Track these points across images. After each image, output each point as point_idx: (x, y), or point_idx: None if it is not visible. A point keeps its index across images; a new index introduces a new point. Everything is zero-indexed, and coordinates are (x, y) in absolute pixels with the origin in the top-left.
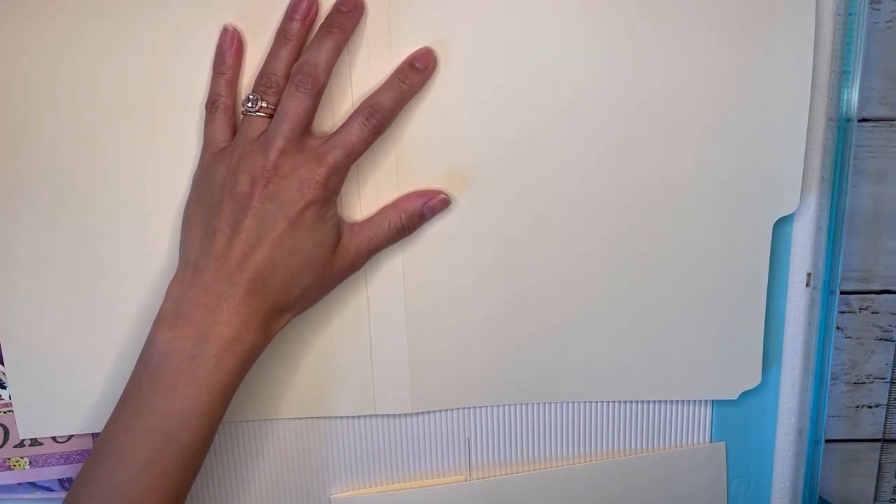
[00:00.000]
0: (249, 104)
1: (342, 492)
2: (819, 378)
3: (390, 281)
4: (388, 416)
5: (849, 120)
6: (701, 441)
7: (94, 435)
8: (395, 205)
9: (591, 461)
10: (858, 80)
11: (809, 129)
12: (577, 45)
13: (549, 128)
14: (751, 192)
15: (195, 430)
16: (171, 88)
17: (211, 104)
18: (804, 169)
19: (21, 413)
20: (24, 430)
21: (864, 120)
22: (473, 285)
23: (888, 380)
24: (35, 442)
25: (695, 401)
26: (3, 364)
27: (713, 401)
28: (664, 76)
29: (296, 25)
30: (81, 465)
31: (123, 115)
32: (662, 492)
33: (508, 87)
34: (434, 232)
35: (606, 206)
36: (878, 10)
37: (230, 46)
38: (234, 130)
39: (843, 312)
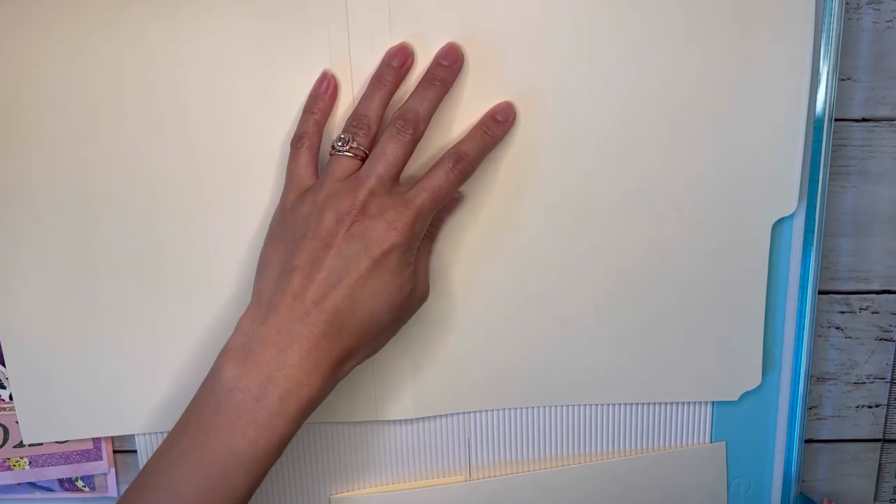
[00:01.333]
0: (340, 143)
1: (342, 492)
2: (797, 376)
3: None
4: (389, 422)
5: (824, 121)
6: (701, 441)
7: (95, 438)
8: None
9: (591, 461)
10: (834, 81)
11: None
12: (577, 46)
13: (548, 130)
14: (750, 194)
15: (248, 473)
16: (173, 93)
17: (297, 140)
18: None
19: (24, 418)
20: (27, 436)
21: (864, 120)
22: (474, 289)
23: (888, 380)
24: (35, 442)
25: (695, 401)
26: (3, 364)
27: (713, 401)
28: (662, 78)
29: (391, 72)
30: (129, 487)
31: (124, 118)
32: (662, 492)
33: (509, 90)
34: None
35: (606, 208)
36: (879, 10)
37: (325, 91)
38: (317, 170)
39: (842, 312)
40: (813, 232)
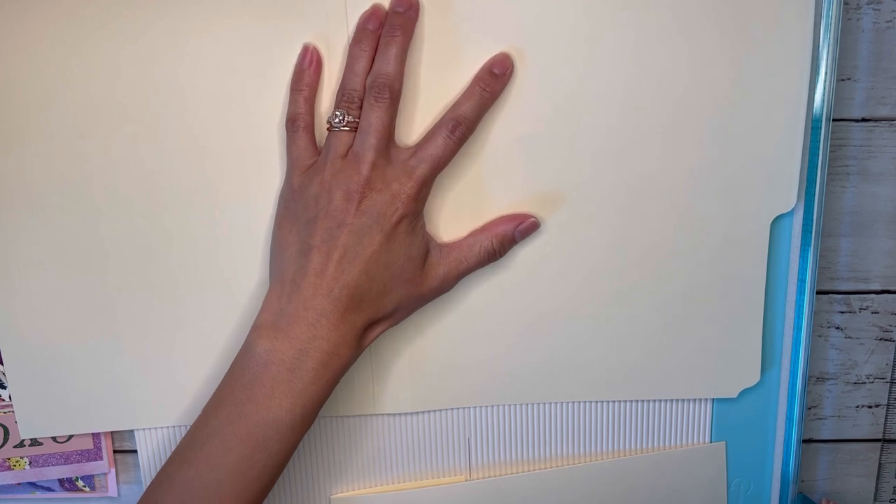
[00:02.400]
0: (336, 120)
1: (342, 491)
2: (795, 375)
3: None
4: (387, 415)
5: (822, 120)
6: (701, 441)
7: (95, 435)
8: (485, 229)
9: (591, 461)
10: (832, 80)
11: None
12: (576, 45)
13: (547, 127)
14: (749, 191)
15: (285, 440)
16: (172, 90)
17: (291, 123)
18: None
19: (21, 413)
20: (24, 430)
21: (863, 120)
22: (473, 284)
23: (888, 380)
24: (35, 442)
25: (695, 400)
26: (2, 364)
27: (713, 400)
28: (662, 76)
29: (369, 36)
30: (165, 462)
31: (124, 115)
32: (663, 491)
33: (510, 87)
34: (437, 229)
35: (606, 205)
36: (878, 10)
37: (309, 65)
38: (317, 147)
39: (842, 312)
40: (811, 231)
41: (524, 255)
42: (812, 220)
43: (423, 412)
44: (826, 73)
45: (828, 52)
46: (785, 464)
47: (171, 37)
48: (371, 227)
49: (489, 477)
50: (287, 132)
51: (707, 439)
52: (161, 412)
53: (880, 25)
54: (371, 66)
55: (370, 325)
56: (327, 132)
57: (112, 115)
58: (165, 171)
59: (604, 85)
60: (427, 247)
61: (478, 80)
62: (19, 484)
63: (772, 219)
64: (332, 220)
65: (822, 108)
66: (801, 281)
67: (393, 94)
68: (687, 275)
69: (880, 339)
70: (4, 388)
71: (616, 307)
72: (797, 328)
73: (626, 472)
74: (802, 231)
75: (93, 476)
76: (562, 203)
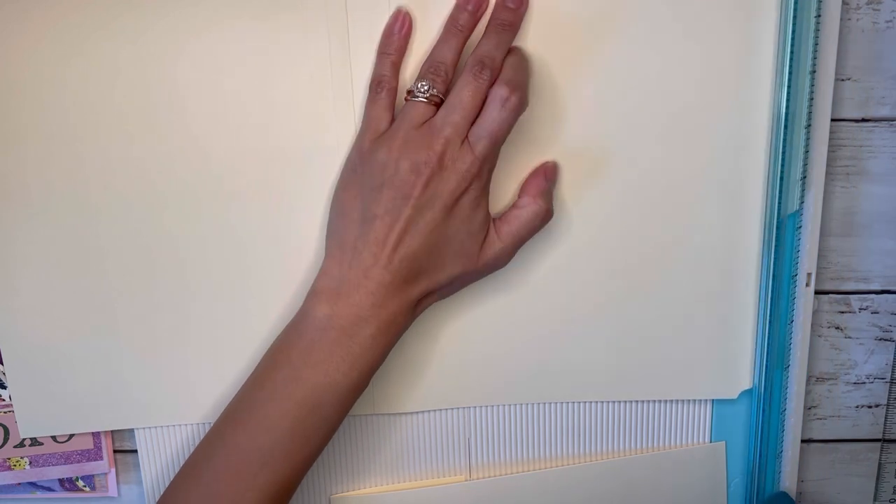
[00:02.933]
0: (422, 89)
1: (342, 492)
2: (794, 376)
3: None
4: (387, 414)
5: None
6: (701, 441)
7: (95, 434)
8: (523, 191)
9: (591, 461)
10: (832, 81)
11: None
12: (575, 44)
13: (546, 129)
14: (748, 192)
15: (340, 404)
16: (172, 91)
17: (377, 84)
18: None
19: (21, 412)
20: (24, 430)
21: (864, 120)
22: (473, 286)
23: (888, 380)
24: (35, 442)
25: (694, 401)
26: (2, 364)
27: (713, 401)
28: (662, 76)
29: (466, 17)
30: (214, 423)
31: (123, 115)
32: (662, 492)
33: None
34: None
35: (605, 206)
36: (878, 10)
37: (400, 29)
38: (394, 114)
39: (843, 312)
40: (811, 231)
41: (524, 257)
42: (812, 220)
43: (422, 412)
44: (827, 74)
45: (828, 53)
46: (785, 464)
47: (170, 37)
48: (435, 202)
49: (489, 477)
50: (370, 93)
51: (707, 439)
52: (161, 411)
53: (880, 25)
54: (462, 46)
55: (426, 296)
56: (406, 100)
57: (111, 115)
58: (165, 171)
59: (603, 86)
60: (487, 223)
61: (494, 22)
62: (19, 484)
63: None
64: (397, 190)
65: (816, 108)
66: (800, 280)
67: (492, 79)
68: (686, 275)
69: (880, 339)
70: (4, 387)
71: (616, 308)
72: (797, 328)
73: (626, 473)
74: (802, 231)
75: (93, 476)
76: (561, 204)
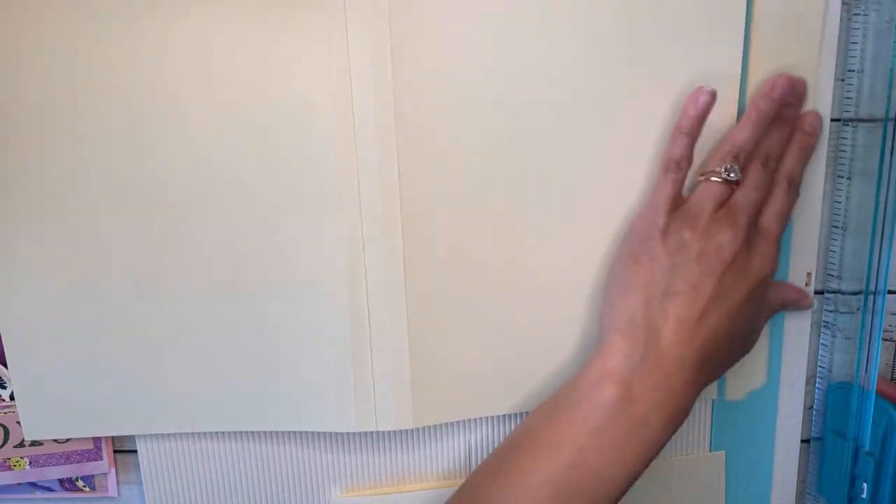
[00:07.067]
0: (728, 174)
1: (342, 494)
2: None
3: (391, 293)
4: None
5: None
6: (700, 449)
7: (95, 438)
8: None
9: None
10: (833, 80)
11: None
12: (574, 44)
13: (545, 130)
14: None
15: (619, 490)
16: (172, 91)
17: (675, 165)
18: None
19: (25, 415)
20: (28, 433)
21: (864, 120)
22: (475, 294)
23: (888, 379)
24: (35, 442)
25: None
26: (3, 365)
27: (713, 407)
28: (662, 76)
29: (774, 106)
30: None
31: (123, 117)
32: (661, 499)
33: (508, 89)
34: (435, 240)
35: (607, 208)
36: (878, 10)
37: (703, 111)
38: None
39: (843, 312)
40: (811, 231)
41: (523, 263)
42: (812, 220)
43: (424, 427)
44: (828, 74)
45: (829, 53)
46: (785, 466)
47: (170, 38)
48: (739, 281)
49: None
50: (666, 171)
51: (706, 447)
52: (164, 418)
53: (880, 25)
54: (760, 135)
55: (713, 379)
56: (707, 181)
57: (112, 116)
58: (166, 174)
59: (603, 85)
60: (771, 308)
61: (798, 142)
62: (19, 484)
63: None
64: (702, 267)
65: (816, 107)
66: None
67: (792, 186)
68: None
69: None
70: (4, 388)
71: None
72: (797, 329)
73: None
74: (802, 231)
75: (93, 476)
76: (563, 209)
